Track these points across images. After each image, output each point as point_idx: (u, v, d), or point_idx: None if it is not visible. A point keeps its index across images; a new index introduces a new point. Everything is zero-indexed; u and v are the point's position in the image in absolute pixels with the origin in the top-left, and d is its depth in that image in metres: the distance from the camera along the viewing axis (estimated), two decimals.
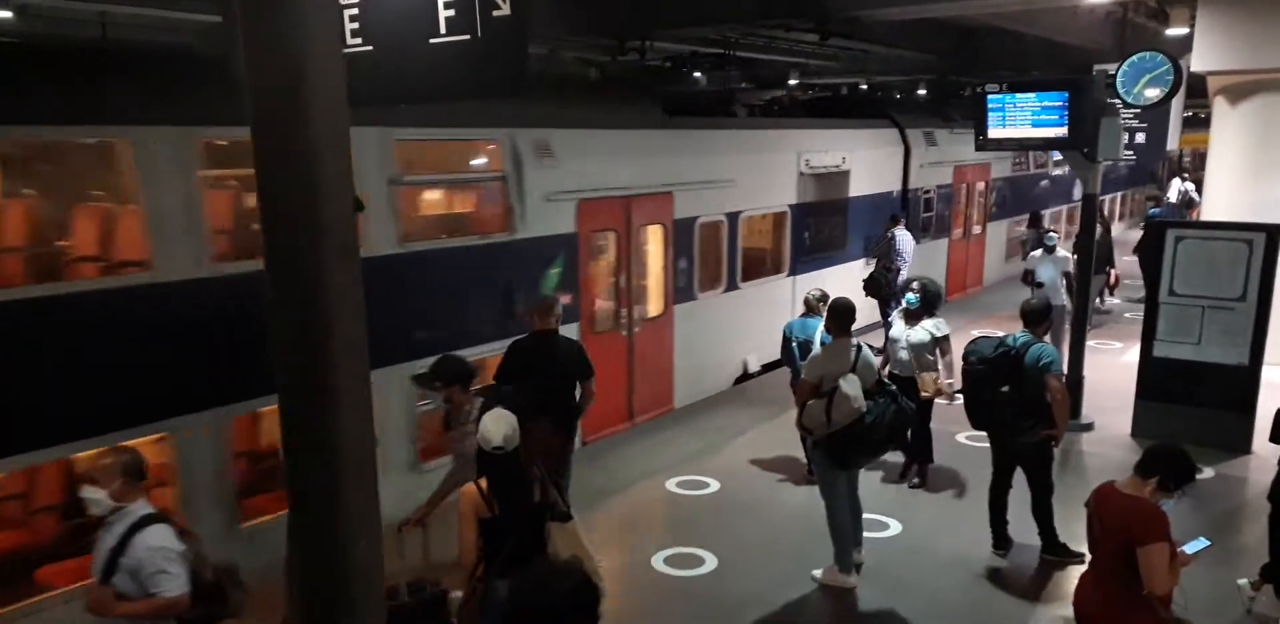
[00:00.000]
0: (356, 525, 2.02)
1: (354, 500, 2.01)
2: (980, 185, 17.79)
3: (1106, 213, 19.98)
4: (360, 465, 2.02)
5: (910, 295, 7.77)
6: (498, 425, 4.34)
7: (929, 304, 7.76)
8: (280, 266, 1.99)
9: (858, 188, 13.97)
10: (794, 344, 7.85)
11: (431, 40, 3.75)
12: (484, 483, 4.39)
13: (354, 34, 3.71)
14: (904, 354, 7.73)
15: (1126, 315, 14.11)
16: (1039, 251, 11.90)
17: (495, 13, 3.10)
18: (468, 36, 3.52)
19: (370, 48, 3.98)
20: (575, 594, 2.53)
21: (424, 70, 3.75)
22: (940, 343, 7.61)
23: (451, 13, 3.25)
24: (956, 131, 15.97)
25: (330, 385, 1.97)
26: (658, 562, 6.70)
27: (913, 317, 7.77)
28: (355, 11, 3.56)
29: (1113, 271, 14.18)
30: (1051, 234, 12.06)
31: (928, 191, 15.81)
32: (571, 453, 6.92)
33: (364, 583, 2.03)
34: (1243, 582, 5.99)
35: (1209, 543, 4.26)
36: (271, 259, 1.99)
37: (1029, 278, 11.64)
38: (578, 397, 6.81)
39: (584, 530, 4.56)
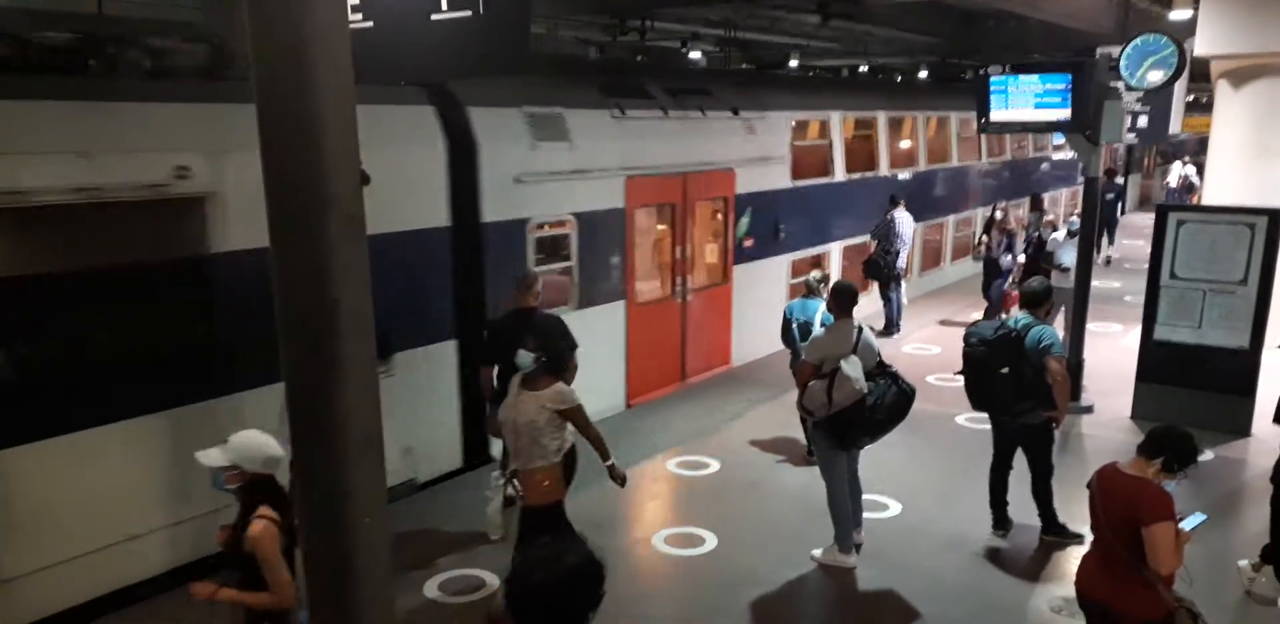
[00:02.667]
0: (363, 501, 2.01)
1: (360, 476, 2.00)
2: (709, 207, 11.16)
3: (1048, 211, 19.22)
4: (367, 441, 2.01)
5: (523, 356, 5.38)
6: (268, 441, 3.91)
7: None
8: (286, 240, 1.97)
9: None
10: (794, 325, 7.85)
11: (433, 16, 3.71)
12: (273, 513, 3.83)
13: (354, 9, 3.67)
14: None
15: (1127, 298, 14.10)
16: (1061, 234, 11.90)
17: None
18: (469, 13, 3.49)
19: (370, 23, 3.94)
20: (580, 571, 2.53)
21: (425, 47, 3.71)
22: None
23: None
24: (637, 115, 9.74)
25: (336, 360, 1.95)
26: (658, 541, 6.73)
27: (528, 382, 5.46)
28: None
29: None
30: (1074, 219, 12.03)
31: (550, 225, 8.86)
32: None
33: (370, 559, 2.02)
34: (1243, 563, 6.02)
35: (1205, 518, 4.27)
36: (277, 232, 1.97)
37: (1049, 261, 11.64)
38: None
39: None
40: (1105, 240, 19.45)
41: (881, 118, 14.26)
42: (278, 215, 1.96)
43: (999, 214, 13.09)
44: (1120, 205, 19.45)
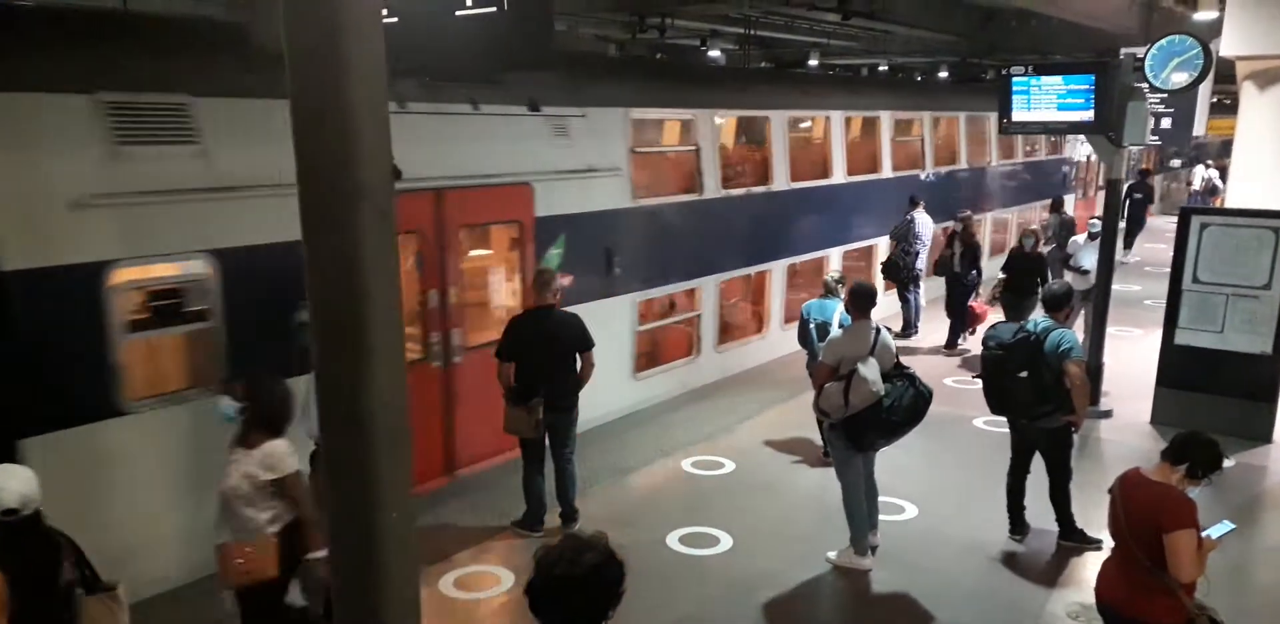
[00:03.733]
0: (389, 492, 2.01)
1: (387, 467, 1.99)
2: (501, 233, 8.81)
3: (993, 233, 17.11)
4: (394, 432, 2.00)
5: (224, 406, 4.66)
6: (9, 481, 3.50)
7: None
8: (317, 232, 1.96)
9: None
10: (811, 326, 7.82)
11: (458, 12, 3.71)
12: None
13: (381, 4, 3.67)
14: None
15: (1147, 302, 14.00)
16: (1082, 237, 11.83)
17: None
18: (494, 8, 3.48)
19: (395, 20, 3.94)
20: (601, 568, 2.52)
21: (450, 42, 3.71)
22: None
23: None
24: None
25: (367, 352, 1.95)
26: (673, 540, 6.71)
27: None
28: None
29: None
30: (1094, 221, 11.95)
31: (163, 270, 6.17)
32: (575, 425, 6.90)
33: (398, 550, 2.01)
34: None
35: (1233, 527, 4.22)
36: (309, 224, 1.97)
37: (1064, 264, 11.59)
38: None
39: (123, 606, 3.79)
40: (1125, 243, 19.38)
41: (777, 119, 11.44)
42: (310, 207, 1.96)
43: (958, 225, 12.36)
44: (1148, 207, 19.18)
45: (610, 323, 8.90)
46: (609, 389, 8.48)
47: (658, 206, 9.76)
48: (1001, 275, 11.43)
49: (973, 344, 11.01)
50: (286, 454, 4.37)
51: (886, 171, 13.67)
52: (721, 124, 11.15)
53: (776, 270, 11.80)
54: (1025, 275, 11.11)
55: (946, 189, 15.06)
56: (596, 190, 8.89)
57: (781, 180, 11.50)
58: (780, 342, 11.40)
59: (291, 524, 4.42)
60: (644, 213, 9.57)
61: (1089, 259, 11.13)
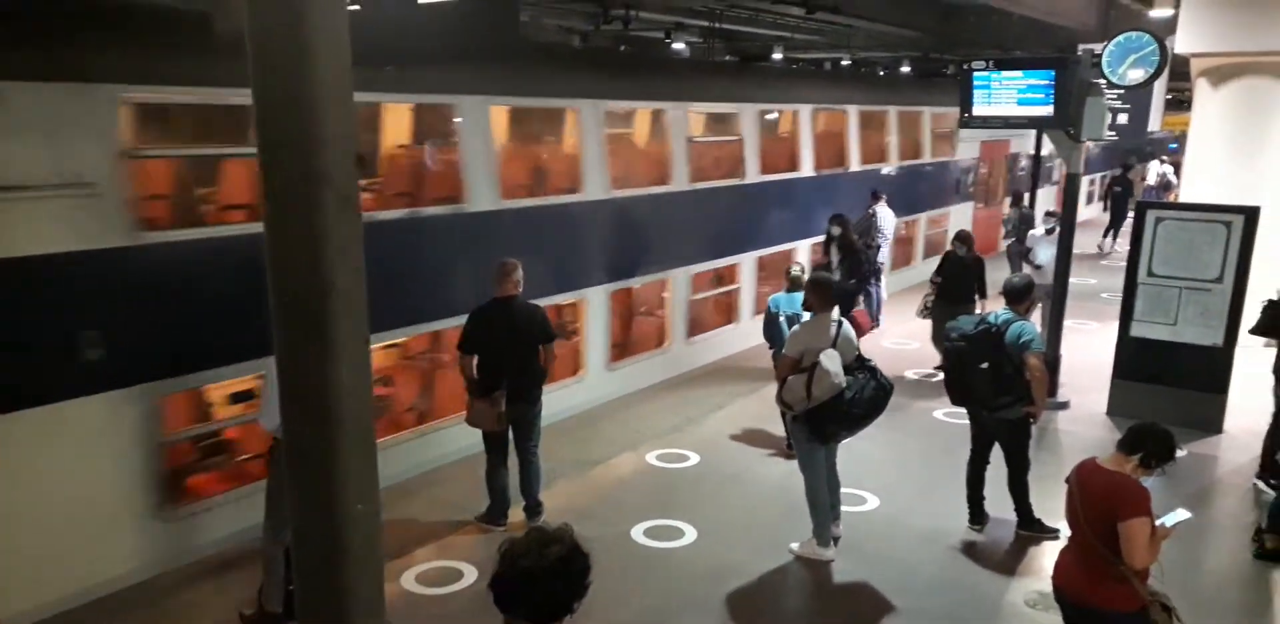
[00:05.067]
0: (355, 485, 1.98)
1: (352, 458, 1.96)
2: None
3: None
4: (359, 423, 1.97)
5: None
6: None
7: None
8: (279, 219, 1.93)
9: None
10: (782, 318, 7.82)
11: (421, 1, 3.66)
12: None
13: None
14: None
15: (1104, 295, 14.22)
16: (1039, 231, 11.97)
17: None
18: None
19: (358, 7, 3.88)
20: (567, 561, 2.51)
21: (413, 31, 3.67)
22: None
23: None
24: None
25: (331, 342, 1.92)
26: (637, 533, 6.72)
27: None
28: None
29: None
30: (1048, 216, 12.11)
31: None
32: (539, 417, 6.88)
33: (362, 541, 1.99)
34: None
35: (1189, 515, 4.30)
36: (270, 213, 1.93)
37: (1023, 258, 11.72)
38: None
39: None
40: (1111, 235, 19.68)
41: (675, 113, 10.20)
42: (271, 194, 1.92)
43: (836, 229, 11.38)
44: (1129, 200, 19.10)
45: None
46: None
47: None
48: (932, 282, 10.68)
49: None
50: None
51: (752, 175, 11.86)
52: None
53: (679, 278, 10.80)
54: (957, 282, 10.33)
55: (827, 194, 13.36)
56: None
57: (682, 180, 10.54)
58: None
59: None
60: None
61: (1044, 254, 11.33)
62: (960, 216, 17.57)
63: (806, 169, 12.97)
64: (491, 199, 8.34)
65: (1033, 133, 16.68)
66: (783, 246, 12.60)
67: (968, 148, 17.67)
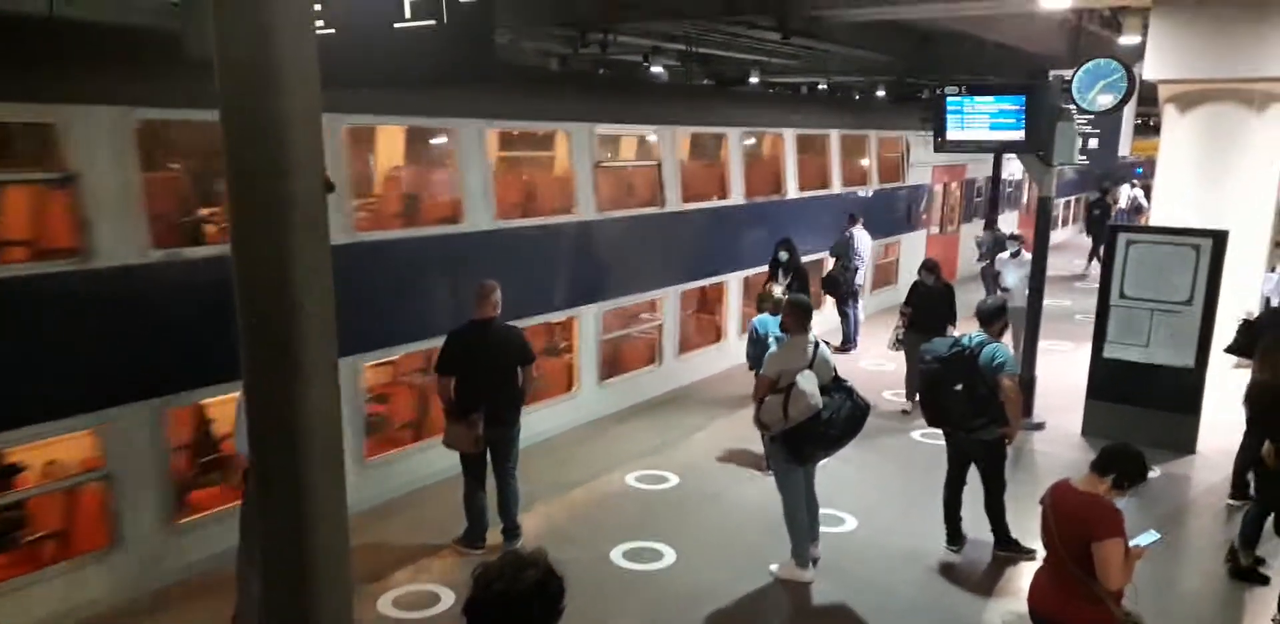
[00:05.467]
0: (322, 506, 1.97)
1: (320, 481, 1.96)
2: None
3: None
4: (327, 446, 1.97)
5: None
6: None
7: None
8: (247, 242, 1.93)
9: None
10: (771, 339, 7.81)
11: (396, 25, 3.69)
12: None
13: (317, 16, 3.64)
14: None
15: (1078, 317, 14.36)
16: (1006, 255, 12.11)
17: None
18: (433, 22, 3.48)
19: (333, 30, 3.90)
20: (542, 585, 2.50)
21: (388, 55, 3.69)
22: None
23: None
24: None
25: (299, 365, 1.91)
26: (616, 555, 6.69)
27: None
28: None
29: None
30: (1013, 240, 12.26)
31: None
32: (517, 440, 6.86)
33: (330, 565, 1.97)
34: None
35: (1159, 536, 4.33)
36: (238, 235, 1.93)
37: (995, 280, 11.84)
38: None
39: None
40: (1097, 258, 19.83)
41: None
42: (239, 217, 1.92)
43: (784, 254, 11.00)
44: (1107, 222, 19.29)
45: None
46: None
47: None
48: (902, 312, 10.08)
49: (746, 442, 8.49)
50: None
51: (673, 204, 10.66)
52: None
53: (585, 316, 9.74)
54: (928, 311, 9.79)
55: (764, 224, 12.06)
56: None
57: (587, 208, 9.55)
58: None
59: None
60: None
61: (1011, 277, 11.49)
62: (912, 246, 16.47)
63: (736, 196, 11.75)
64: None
65: (990, 157, 16.64)
66: (701, 282, 11.47)
67: (919, 173, 16.58)
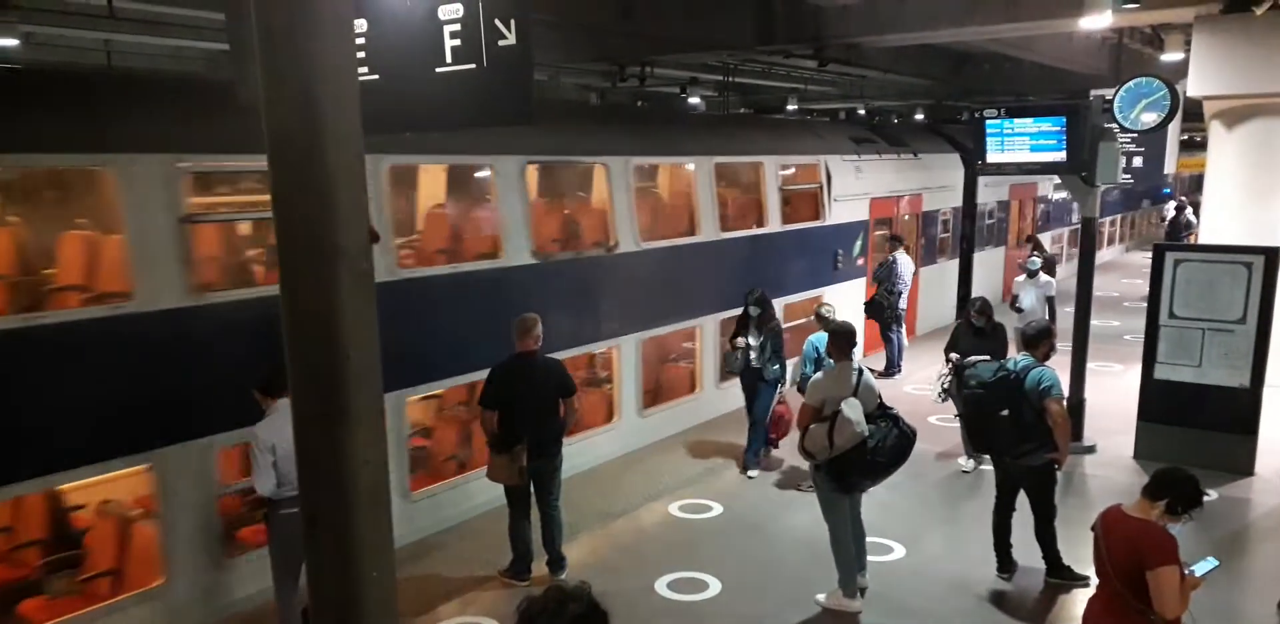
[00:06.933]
0: (370, 552, 2.02)
1: (367, 527, 2.01)
2: None
3: None
4: (374, 492, 2.02)
5: None
6: None
7: None
8: (297, 292, 2.00)
9: None
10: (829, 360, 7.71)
11: (437, 69, 3.80)
12: None
13: (360, 62, 3.75)
14: None
15: (1127, 337, 14.12)
16: (1022, 277, 11.99)
17: (501, 42, 3.14)
18: (473, 65, 3.57)
19: (376, 77, 4.03)
20: (585, 619, 2.52)
21: (430, 99, 3.80)
22: None
23: (457, 42, 3.29)
24: None
25: (347, 412, 1.97)
26: (661, 586, 6.67)
27: None
28: (362, 40, 3.61)
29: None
30: (1034, 259, 12.13)
31: None
32: (560, 471, 6.90)
33: (378, 601, 2.02)
34: None
35: (1217, 563, 4.24)
36: (287, 286, 2.01)
37: (1014, 303, 11.73)
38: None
39: None
40: None
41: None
42: (289, 267, 2.00)
43: (755, 310, 8.87)
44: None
45: None
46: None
47: None
48: (950, 359, 8.76)
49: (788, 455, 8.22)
50: None
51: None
52: None
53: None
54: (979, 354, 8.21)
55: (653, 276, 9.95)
56: None
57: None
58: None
59: None
60: None
61: (1026, 299, 11.38)
62: (844, 297, 12.46)
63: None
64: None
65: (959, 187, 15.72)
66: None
67: (850, 209, 12.97)
